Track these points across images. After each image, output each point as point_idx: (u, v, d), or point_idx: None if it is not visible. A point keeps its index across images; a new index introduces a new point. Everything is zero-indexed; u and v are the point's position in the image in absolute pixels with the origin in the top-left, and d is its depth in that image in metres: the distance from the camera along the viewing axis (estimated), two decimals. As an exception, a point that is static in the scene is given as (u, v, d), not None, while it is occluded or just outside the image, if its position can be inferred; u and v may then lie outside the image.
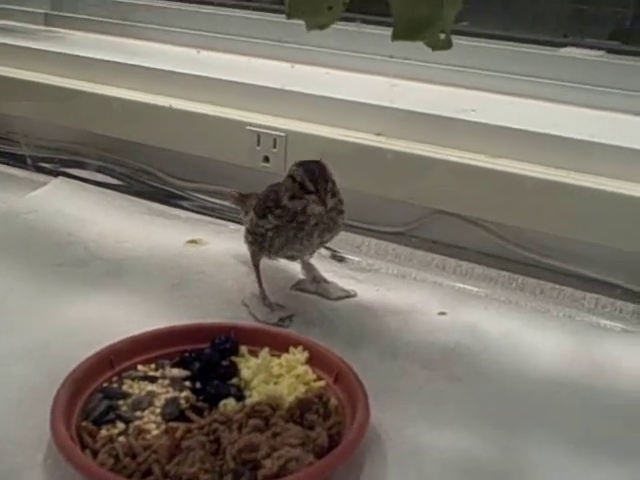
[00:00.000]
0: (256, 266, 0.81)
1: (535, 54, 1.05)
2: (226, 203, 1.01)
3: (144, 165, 1.13)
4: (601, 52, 1.04)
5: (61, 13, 1.37)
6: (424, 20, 0.55)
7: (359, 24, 1.08)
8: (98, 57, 1.14)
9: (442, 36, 0.58)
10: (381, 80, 1.09)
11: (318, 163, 0.74)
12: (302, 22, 0.59)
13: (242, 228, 0.83)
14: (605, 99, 0.97)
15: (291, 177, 0.74)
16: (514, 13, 1.25)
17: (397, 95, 1.02)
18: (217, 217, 1.02)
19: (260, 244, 0.78)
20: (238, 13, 1.23)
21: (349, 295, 0.83)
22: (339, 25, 1.10)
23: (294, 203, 0.74)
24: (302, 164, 0.74)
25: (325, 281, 0.84)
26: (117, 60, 1.13)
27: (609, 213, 0.83)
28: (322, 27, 0.58)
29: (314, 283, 0.84)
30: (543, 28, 1.15)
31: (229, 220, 1.00)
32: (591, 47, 1.05)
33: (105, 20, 1.31)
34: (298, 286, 0.83)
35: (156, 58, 1.14)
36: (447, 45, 0.58)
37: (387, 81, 1.08)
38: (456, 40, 1.07)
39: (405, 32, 0.56)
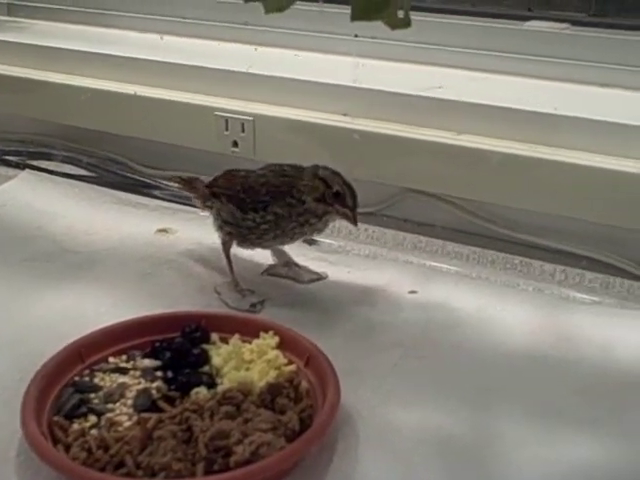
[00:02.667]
0: (227, 253, 0.81)
1: (500, 28, 1.05)
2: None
3: (112, 154, 1.12)
4: (565, 24, 1.04)
5: (24, 3, 1.35)
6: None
7: (322, 4, 1.07)
8: (61, 46, 1.13)
9: (401, 15, 0.57)
10: (347, 60, 1.08)
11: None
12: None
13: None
14: (570, 71, 0.97)
15: (323, 181, 0.74)
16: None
17: (363, 75, 1.01)
18: (187, 205, 1.02)
19: (244, 236, 0.78)
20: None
21: (320, 277, 0.83)
22: (303, 6, 1.10)
23: (318, 206, 0.75)
24: (335, 172, 0.75)
25: (296, 265, 0.84)
26: (80, 49, 1.11)
27: (574, 185, 0.84)
28: (280, 9, 0.57)
29: (285, 267, 0.84)
30: (508, 2, 1.15)
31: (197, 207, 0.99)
32: (555, 20, 1.05)
33: (68, 8, 1.29)
34: (270, 271, 0.84)
35: (120, 45, 1.13)
36: (406, 24, 0.57)
37: (353, 61, 1.07)
38: (422, 17, 1.08)
39: (363, 12, 0.56)
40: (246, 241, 0.79)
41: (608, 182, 0.84)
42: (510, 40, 1.03)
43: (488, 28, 1.05)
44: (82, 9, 1.27)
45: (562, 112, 0.86)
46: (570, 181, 0.84)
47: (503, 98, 0.90)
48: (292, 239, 0.78)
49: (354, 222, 0.75)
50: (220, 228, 0.80)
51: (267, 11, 0.57)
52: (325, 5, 1.07)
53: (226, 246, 0.80)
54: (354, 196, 0.74)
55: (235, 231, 0.78)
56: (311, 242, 0.91)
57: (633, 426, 0.61)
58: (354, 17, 0.56)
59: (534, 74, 0.98)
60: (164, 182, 1.07)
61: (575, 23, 1.04)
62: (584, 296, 0.84)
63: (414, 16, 1.08)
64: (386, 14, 0.55)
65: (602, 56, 0.98)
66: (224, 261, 0.81)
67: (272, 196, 0.76)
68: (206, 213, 0.83)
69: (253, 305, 0.77)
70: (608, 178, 0.84)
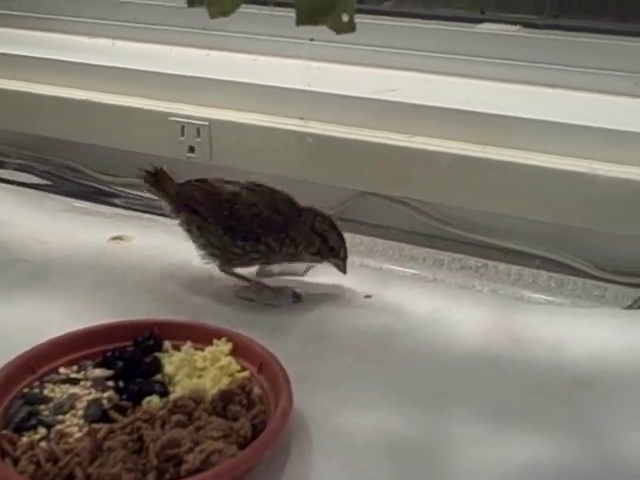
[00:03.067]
0: (229, 272, 0.79)
1: (453, 31, 1.05)
2: (151, 196, 1.00)
3: (66, 162, 1.11)
4: (517, 27, 1.05)
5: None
6: (325, 4, 0.55)
7: (272, 7, 1.07)
8: (11, 52, 1.11)
9: (345, 19, 0.57)
10: (302, 64, 1.08)
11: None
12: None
13: (169, 222, 0.82)
14: (522, 73, 0.98)
15: (321, 235, 0.77)
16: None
17: (319, 78, 1.02)
18: (143, 211, 1.01)
19: (229, 260, 0.78)
20: (153, 1, 1.21)
21: (312, 265, 0.83)
22: (258, 10, 1.10)
23: (313, 258, 0.78)
24: (331, 225, 0.78)
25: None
26: (31, 55, 1.10)
27: (527, 186, 0.85)
28: (225, 14, 0.57)
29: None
30: (461, 5, 1.16)
31: (155, 214, 0.99)
32: (507, 22, 1.06)
33: (17, 14, 1.27)
34: (262, 273, 0.82)
35: (71, 51, 1.12)
36: (351, 28, 0.58)
37: (309, 65, 1.08)
38: (376, 20, 1.08)
39: (308, 16, 0.56)
40: (229, 263, 0.78)
41: (560, 182, 0.85)
42: (463, 42, 1.03)
43: (441, 31, 1.05)
44: (32, 14, 1.26)
45: (514, 113, 0.87)
46: (522, 182, 0.85)
47: (456, 100, 0.91)
48: (275, 264, 0.80)
49: (344, 271, 0.78)
50: (203, 247, 0.78)
51: (212, 16, 0.57)
52: (279, 9, 1.07)
53: (225, 267, 0.79)
54: (345, 248, 0.78)
55: (219, 253, 0.77)
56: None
57: (585, 425, 0.61)
58: (299, 21, 0.56)
59: (487, 76, 0.99)
60: (119, 189, 1.06)
61: (527, 25, 1.05)
62: (539, 296, 0.85)
63: (368, 19, 1.10)
64: (331, 18, 0.55)
65: (553, 58, 0.99)
66: (179, 265, 0.80)
67: (265, 229, 0.76)
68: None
69: (295, 295, 0.78)
70: (560, 178, 0.85)
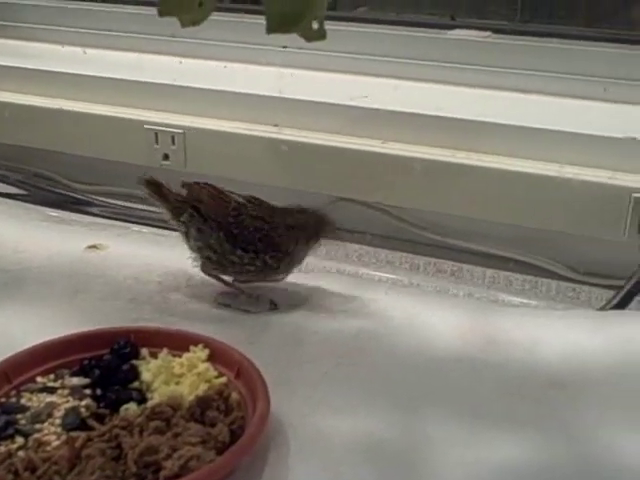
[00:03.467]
0: (210, 274, 0.79)
1: (424, 37, 1.07)
2: (128, 204, 1.00)
3: (41, 171, 1.11)
4: (488, 33, 1.06)
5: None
6: (295, 12, 0.55)
7: (243, 15, 1.08)
8: (-18, 61, 1.11)
9: (315, 26, 0.58)
10: (276, 71, 1.09)
11: None
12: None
13: (144, 229, 0.82)
14: (493, 78, 1.00)
15: (298, 228, 0.77)
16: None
17: (292, 85, 1.02)
18: (119, 220, 1.01)
19: (223, 266, 0.77)
20: (124, 9, 1.21)
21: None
22: (232, 17, 1.10)
23: (305, 248, 0.78)
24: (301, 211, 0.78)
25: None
26: (3, 63, 1.10)
27: (498, 189, 0.86)
28: (196, 23, 0.58)
29: None
30: (432, 11, 1.17)
31: (131, 222, 0.99)
32: (478, 28, 1.07)
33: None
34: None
35: (42, 59, 1.12)
36: (321, 36, 0.58)
37: (282, 72, 1.09)
38: (348, 27, 1.09)
39: (278, 25, 0.56)
40: (220, 269, 0.78)
41: (531, 186, 0.86)
42: (435, 49, 1.05)
43: (413, 37, 1.07)
44: (2, 22, 1.25)
45: (485, 119, 0.88)
46: (494, 186, 0.86)
47: (428, 106, 0.91)
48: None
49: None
50: (199, 249, 0.78)
51: (183, 25, 0.58)
52: (250, 16, 1.08)
53: (206, 269, 0.79)
54: (327, 222, 0.78)
55: (215, 259, 0.77)
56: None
57: (560, 425, 0.62)
58: (270, 29, 0.56)
59: (458, 82, 1.00)
60: (95, 197, 1.06)
61: (497, 31, 1.06)
62: (513, 298, 0.86)
63: (341, 26, 1.10)
64: (301, 26, 0.56)
65: (523, 63, 1.00)
66: (155, 273, 0.80)
67: (265, 245, 0.76)
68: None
69: (273, 303, 0.78)
70: (531, 182, 0.86)
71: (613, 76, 0.97)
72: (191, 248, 0.78)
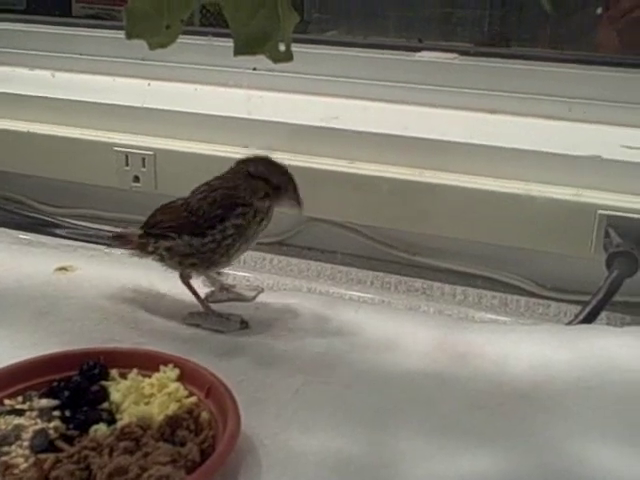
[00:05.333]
0: (188, 284, 0.79)
1: (392, 60, 1.08)
2: (97, 226, 1.00)
3: (9, 193, 1.10)
4: (454, 55, 1.08)
5: None
6: (261, 34, 0.56)
7: (210, 38, 1.09)
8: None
9: (282, 48, 0.59)
10: (245, 93, 1.10)
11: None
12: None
13: (114, 251, 0.82)
14: (459, 99, 1.01)
15: (261, 179, 0.75)
16: (373, 21, 1.29)
17: (262, 107, 1.03)
18: (88, 242, 1.01)
19: (209, 260, 0.76)
20: (92, 33, 1.21)
21: (260, 291, 0.84)
22: (196, 40, 1.11)
23: (265, 203, 0.75)
24: (269, 164, 0.76)
25: (231, 286, 0.84)
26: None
27: (465, 208, 0.87)
28: (163, 45, 0.58)
29: (223, 291, 0.84)
30: (399, 34, 1.19)
31: (100, 244, 0.98)
32: (445, 50, 1.09)
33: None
34: (210, 299, 0.82)
35: (9, 82, 1.11)
36: (288, 57, 0.59)
37: (252, 94, 1.09)
38: (318, 50, 1.10)
39: (244, 47, 0.57)
40: (212, 265, 0.77)
41: (499, 204, 0.87)
42: (403, 70, 1.06)
43: (381, 59, 1.08)
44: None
45: (452, 138, 0.89)
46: (462, 204, 0.87)
47: (396, 126, 0.93)
48: (253, 242, 0.78)
49: (299, 204, 0.76)
50: (179, 264, 0.78)
51: (151, 48, 0.58)
52: (218, 39, 1.09)
53: (185, 278, 0.79)
54: (294, 182, 0.75)
55: (198, 260, 0.77)
56: (217, 274, 0.91)
57: (529, 438, 0.63)
58: (237, 51, 0.57)
59: (426, 102, 1.02)
60: (64, 220, 1.05)
61: (463, 53, 1.08)
62: (483, 314, 0.87)
63: (310, 49, 1.11)
64: (268, 48, 0.56)
65: (490, 84, 1.02)
66: (125, 294, 0.80)
67: (224, 209, 0.75)
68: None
69: (243, 322, 0.77)
70: (499, 200, 0.87)
71: (578, 96, 0.99)
72: (173, 267, 0.78)
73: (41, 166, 1.05)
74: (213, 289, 0.84)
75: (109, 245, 0.85)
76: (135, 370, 0.66)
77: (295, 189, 0.76)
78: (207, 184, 0.78)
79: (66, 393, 0.64)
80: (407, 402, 0.67)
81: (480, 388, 0.69)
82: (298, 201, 0.76)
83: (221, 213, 0.75)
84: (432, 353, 0.74)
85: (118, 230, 0.84)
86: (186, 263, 0.77)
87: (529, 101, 1.00)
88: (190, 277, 0.79)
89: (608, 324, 0.87)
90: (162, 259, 0.78)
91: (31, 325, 0.78)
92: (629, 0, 1.17)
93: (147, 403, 0.63)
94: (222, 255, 0.77)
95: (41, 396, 0.65)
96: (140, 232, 0.79)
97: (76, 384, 0.65)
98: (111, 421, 0.62)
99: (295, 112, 1.01)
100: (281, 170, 0.76)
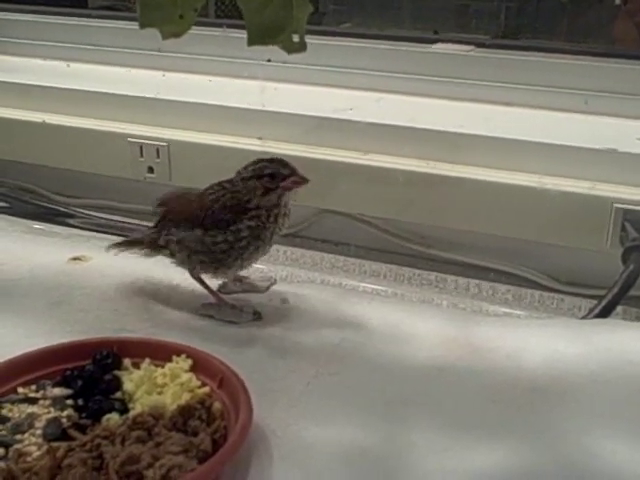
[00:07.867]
0: (199, 278, 0.79)
1: (408, 51, 1.08)
2: (111, 217, 1.00)
3: (24, 184, 1.10)
4: (470, 47, 1.07)
5: None
6: (275, 24, 0.56)
7: (225, 29, 1.08)
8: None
9: (296, 39, 0.59)
10: (260, 85, 1.09)
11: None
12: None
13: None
14: (475, 91, 1.01)
15: (254, 177, 0.74)
16: (388, 13, 1.28)
17: (276, 98, 1.03)
18: (102, 232, 1.01)
19: (219, 261, 0.76)
20: (107, 24, 1.21)
21: (274, 282, 0.83)
22: (210, 31, 1.11)
23: (270, 197, 0.74)
24: (255, 162, 0.75)
25: (245, 277, 0.84)
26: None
27: (480, 200, 0.86)
28: (177, 35, 0.58)
29: (237, 282, 0.83)
30: (415, 25, 1.18)
31: (113, 234, 0.99)
32: (461, 42, 1.08)
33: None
34: (223, 290, 0.82)
35: (25, 73, 1.12)
36: (302, 48, 0.59)
37: (266, 85, 1.09)
38: (332, 42, 1.10)
39: (258, 37, 0.57)
40: (222, 266, 0.76)
41: (514, 197, 0.87)
42: (418, 62, 1.06)
43: (396, 51, 1.07)
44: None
45: (467, 131, 0.89)
46: (477, 197, 0.87)
47: (411, 118, 0.92)
48: (271, 242, 0.76)
49: (304, 180, 0.74)
50: (188, 257, 0.77)
51: (164, 37, 0.58)
52: (233, 30, 1.09)
53: (195, 272, 0.78)
54: (285, 163, 0.74)
55: (208, 258, 0.76)
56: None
57: (542, 432, 0.62)
58: (250, 42, 0.57)
59: (441, 94, 1.01)
60: (78, 210, 1.06)
61: (480, 45, 1.07)
62: (497, 308, 0.86)
63: (325, 41, 1.11)
64: (281, 39, 0.56)
65: (506, 76, 1.01)
66: (138, 283, 0.80)
67: (234, 212, 0.75)
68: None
69: (256, 313, 0.77)
70: (514, 193, 0.87)
71: (594, 89, 0.98)
72: (182, 263, 0.78)
73: (55, 156, 1.05)
74: (226, 280, 0.84)
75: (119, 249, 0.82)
76: (148, 360, 0.66)
77: (289, 167, 0.74)
78: (217, 186, 0.77)
79: (79, 382, 0.64)
80: (419, 395, 0.67)
81: (494, 382, 0.68)
82: (299, 176, 0.74)
83: (232, 218, 0.75)
84: (445, 346, 0.73)
85: (123, 240, 0.82)
86: (195, 259, 0.77)
87: (545, 94, 0.99)
88: (199, 272, 0.79)
89: (624, 319, 0.87)
90: (172, 254, 0.78)
91: (45, 314, 0.78)
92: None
93: (160, 393, 0.63)
94: (236, 258, 0.76)
95: (54, 385, 0.65)
96: (147, 229, 0.79)
97: (89, 373, 0.65)
98: (124, 410, 0.62)
99: (309, 104, 1.01)
100: (268, 160, 0.75)
